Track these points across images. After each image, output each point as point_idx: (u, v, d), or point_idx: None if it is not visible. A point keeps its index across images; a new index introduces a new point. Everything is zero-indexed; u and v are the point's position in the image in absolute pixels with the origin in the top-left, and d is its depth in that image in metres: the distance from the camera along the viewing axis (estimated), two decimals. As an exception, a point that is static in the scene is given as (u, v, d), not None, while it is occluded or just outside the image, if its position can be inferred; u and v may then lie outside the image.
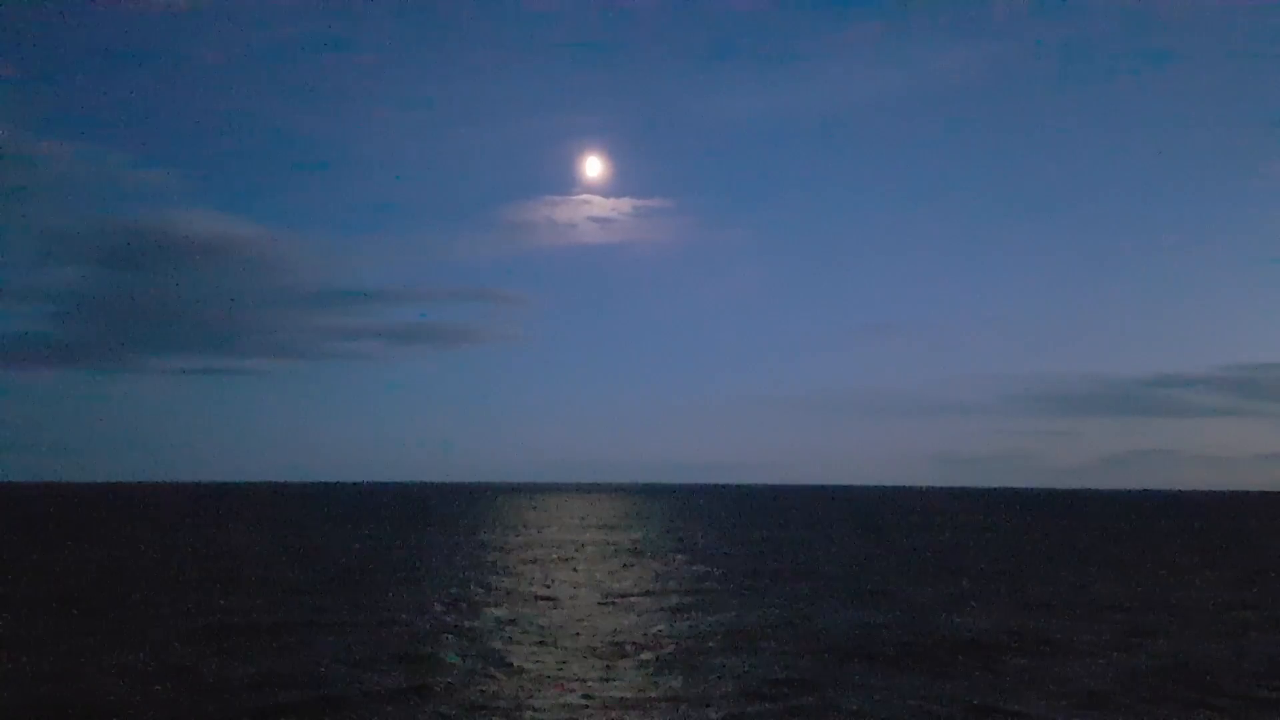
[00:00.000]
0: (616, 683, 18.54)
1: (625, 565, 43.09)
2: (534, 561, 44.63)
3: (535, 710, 16.44)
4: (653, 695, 17.52)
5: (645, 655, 21.27)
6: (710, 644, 22.68)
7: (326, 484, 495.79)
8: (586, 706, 16.75)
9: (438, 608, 28.39)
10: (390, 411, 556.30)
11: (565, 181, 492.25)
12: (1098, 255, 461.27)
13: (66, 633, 23.65)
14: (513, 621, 25.93)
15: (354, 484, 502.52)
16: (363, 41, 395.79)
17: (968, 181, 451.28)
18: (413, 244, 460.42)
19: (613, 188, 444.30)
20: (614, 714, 16.28)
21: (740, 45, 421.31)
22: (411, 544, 55.53)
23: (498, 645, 22.41)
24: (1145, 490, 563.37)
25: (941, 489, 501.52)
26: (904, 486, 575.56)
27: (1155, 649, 22.60)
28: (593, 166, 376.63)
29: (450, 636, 23.51)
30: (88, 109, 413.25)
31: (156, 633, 23.63)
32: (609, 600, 30.62)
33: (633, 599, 30.89)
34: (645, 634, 24.01)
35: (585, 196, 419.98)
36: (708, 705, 16.87)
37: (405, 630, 24.34)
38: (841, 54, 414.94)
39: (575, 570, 40.64)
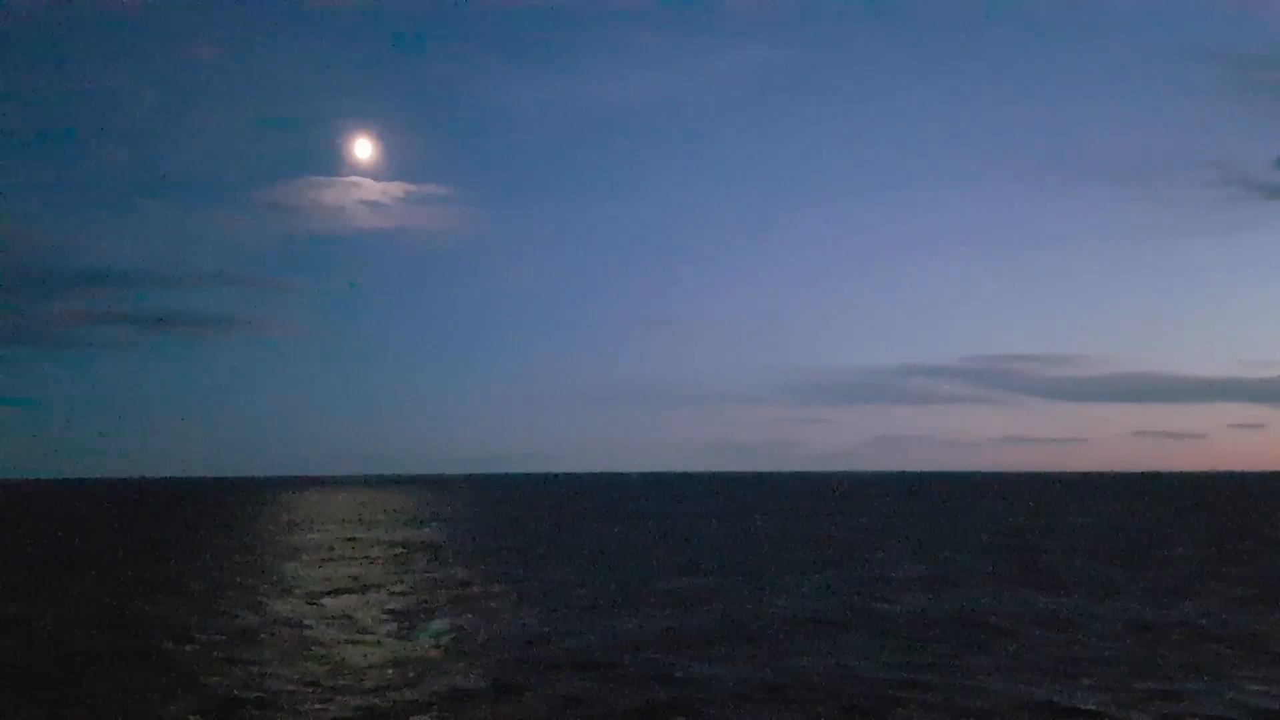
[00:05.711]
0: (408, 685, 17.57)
1: (406, 567, 41.55)
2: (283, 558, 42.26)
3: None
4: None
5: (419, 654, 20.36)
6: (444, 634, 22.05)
7: (70, 480, 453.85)
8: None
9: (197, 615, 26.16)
10: (146, 403, 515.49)
11: (333, 163, 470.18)
12: (851, 250, 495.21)
13: None
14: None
15: (101, 480, 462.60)
16: (113, 3, 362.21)
17: (746, 179, 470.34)
18: (164, 224, 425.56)
19: (384, 171, 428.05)
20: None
21: (521, 37, 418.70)
22: (173, 544, 51.29)
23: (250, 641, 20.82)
24: (903, 472, 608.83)
25: (718, 475, 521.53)
26: (681, 473, 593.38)
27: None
28: (362, 149, 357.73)
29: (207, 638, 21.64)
30: None
31: None
32: (379, 606, 29.30)
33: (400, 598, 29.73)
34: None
35: (354, 179, 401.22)
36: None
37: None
38: (626, 48, 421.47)
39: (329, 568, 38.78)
